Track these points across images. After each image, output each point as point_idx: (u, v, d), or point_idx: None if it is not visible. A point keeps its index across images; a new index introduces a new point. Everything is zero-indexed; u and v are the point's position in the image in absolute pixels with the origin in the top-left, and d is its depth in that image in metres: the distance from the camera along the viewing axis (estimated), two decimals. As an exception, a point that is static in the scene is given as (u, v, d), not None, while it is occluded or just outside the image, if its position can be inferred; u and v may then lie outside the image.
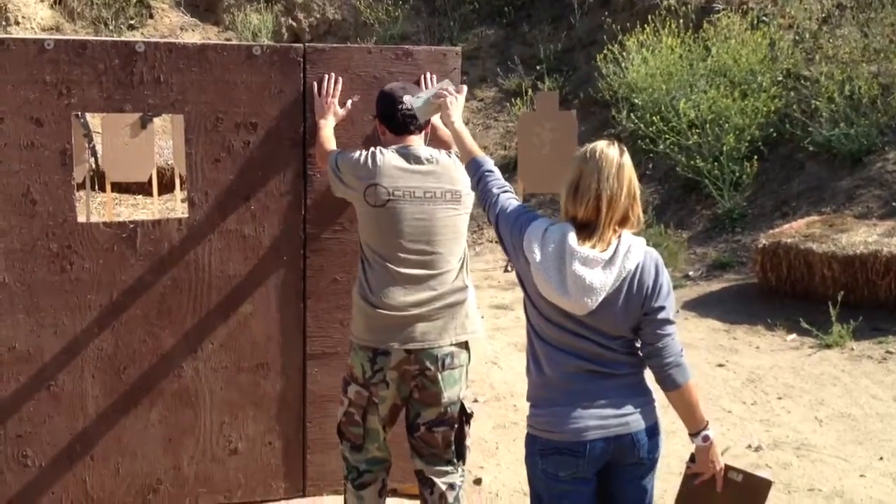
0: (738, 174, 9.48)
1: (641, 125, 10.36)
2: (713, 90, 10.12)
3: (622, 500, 2.57)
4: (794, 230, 7.58)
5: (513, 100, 12.87)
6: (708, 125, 9.73)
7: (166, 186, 10.70)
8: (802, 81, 10.06)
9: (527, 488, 4.12)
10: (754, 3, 11.61)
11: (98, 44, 3.50)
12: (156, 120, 10.05)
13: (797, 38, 10.80)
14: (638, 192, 2.50)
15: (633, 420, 2.48)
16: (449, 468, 3.22)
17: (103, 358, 3.59)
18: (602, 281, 2.38)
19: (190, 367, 3.68)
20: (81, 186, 9.21)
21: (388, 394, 3.15)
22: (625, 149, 2.53)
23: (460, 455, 3.24)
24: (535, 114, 9.94)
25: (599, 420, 2.45)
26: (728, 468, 2.59)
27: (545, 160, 9.49)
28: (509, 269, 9.35)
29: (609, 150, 2.49)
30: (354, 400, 3.19)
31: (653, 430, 2.52)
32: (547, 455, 2.48)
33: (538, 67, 13.27)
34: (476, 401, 5.33)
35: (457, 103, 3.07)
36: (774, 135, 9.75)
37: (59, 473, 3.62)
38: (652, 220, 9.75)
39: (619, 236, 2.46)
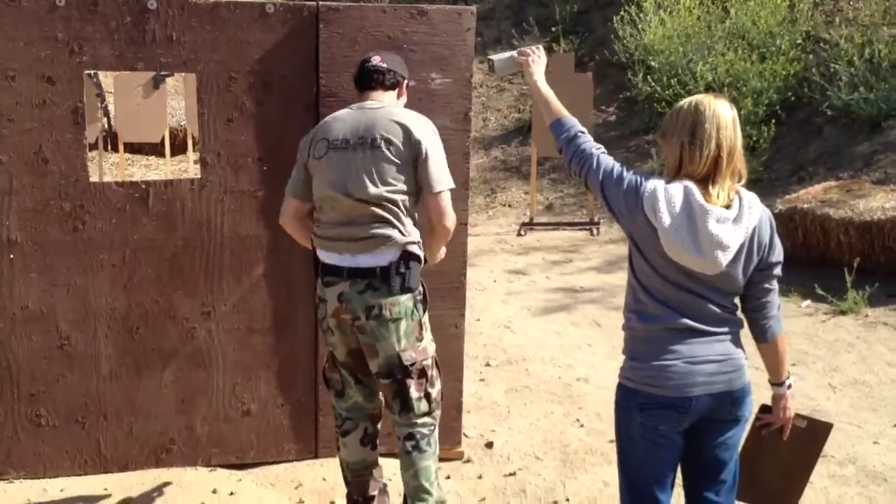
0: (755, 138, 9.37)
1: (658, 88, 10.25)
2: (731, 53, 9.99)
3: (712, 455, 2.57)
4: (810, 195, 7.50)
5: (527, 61, 12.73)
6: (726, 88, 9.61)
7: (179, 147, 10.69)
8: (822, 45, 9.91)
9: (539, 452, 4.15)
10: (774, -36, 11.40)
11: (110, 1, 3.45)
12: (168, 80, 10.01)
13: (817, 0, 10.61)
14: (741, 146, 2.50)
15: (736, 377, 2.50)
16: (400, 419, 3.20)
17: (116, 318, 3.60)
18: (735, 238, 2.39)
19: (203, 329, 3.68)
20: (94, 146, 9.21)
21: (335, 340, 3.18)
22: (733, 105, 2.51)
23: (406, 408, 3.18)
24: (551, 76, 9.82)
25: (706, 377, 2.46)
26: (796, 416, 2.69)
27: (560, 123, 9.40)
28: (523, 233, 9.32)
29: (720, 104, 2.45)
30: (329, 346, 3.26)
31: (748, 389, 2.56)
32: (649, 409, 2.48)
33: (553, 29, 13.10)
34: (488, 364, 5.33)
35: (539, 62, 3.03)
36: (793, 98, 9.64)
37: (72, 432, 3.64)
38: (667, 184, 9.67)
39: (738, 192, 2.46)
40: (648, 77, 10.72)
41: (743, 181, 2.50)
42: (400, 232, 3.05)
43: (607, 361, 5.44)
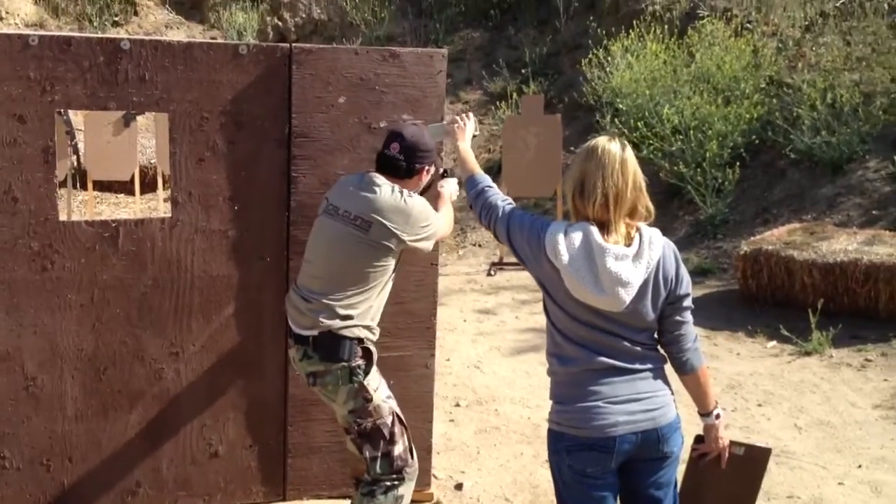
0: (720, 181, 9.52)
1: (625, 130, 10.38)
2: (697, 96, 10.16)
3: (647, 494, 2.58)
4: (775, 237, 7.63)
5: (497, 103, 12.87)
6: (691, 131, 9.77)
7: (148, 185, 10.62)
8: (785, 89, 10.11)
9: (508, 493, 4.14)
10: (738, 10, 11.67)
11: (83, 40, 3.47)
12: (139, 119, 9.99)
13: (780, 45, 10.86)
14: (643, 184, 2.55)
15: (660, 415, 2.52)
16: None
17: (83, 359, 3.56)
18: (634, 275, 2.43)
19: (171, 369, 3.65)
20: (63, 184, 9.13)
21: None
22: (626, 143, 2.56)
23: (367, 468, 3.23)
24: (521, 117, 9.98)
25: (628, 416, 2.47)
26: (732, 443, 2.73)
27: (530, 164, 9.52)
28: (492, 273, 9.35)
29: (610, 146, 2.52)
30: None
31: (676, 425, 2.57)
32: (575, 451, 2.49)
33: (523, 71, 13.28)
34: (458, 405, 5.32)
35: (467, 128, 3.35)
36: (757, 142, 9.80)
37: (36, 475, 3.58)
38: (635, 225, 9.77)
39: (638, 229, 2.51)
40: (616, 119, 10.87)
41: (649, 218, 2.55)
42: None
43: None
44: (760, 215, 9.25)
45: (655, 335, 2.58)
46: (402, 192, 3.19)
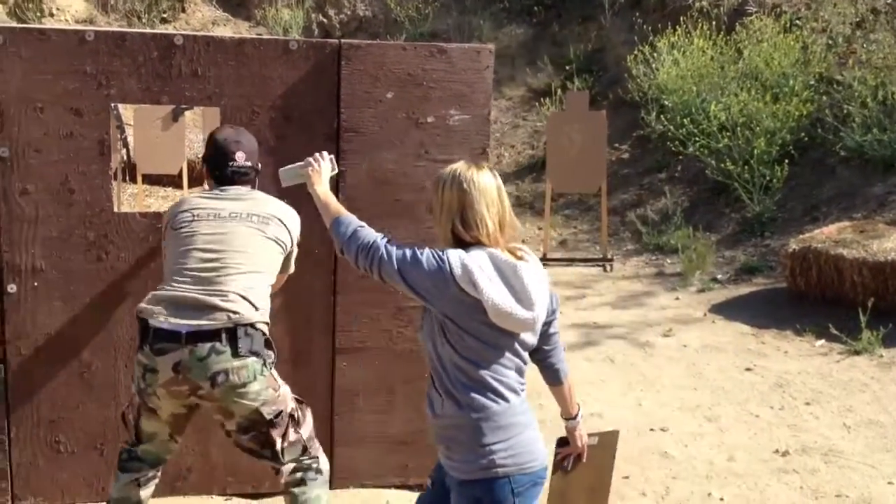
0: (768, 178, 9.41)
1: (671, 127, 10.31)
2: (744, 93, 10.05)
3: None
4: (824, 235, 7.52)
5: (541, 99, 12.85)
6: (739, 128, 9.67)
7: (196, 179, 10.78)
8: (835, 86, 9.96)
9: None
10: (787, 6, 11.52)
11: (138, 36, 3.54)
12: (187, 113, 10.14)
13: (830, 42, 10.69)
14: (509, 205, 2.47)
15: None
16: (276, 464, 3.12)
17: (136, 347, 3.63)
18: (543, 288, 2.39)
19: (221, 358, 3.71)
20: (113, 177, 9.31)
21: (161, 404, 3.08)
22: (491, 166, 2.49)
23: (278, 458, 3.10)
24: (565, 113, 9.94)
25: (541, 440, 2.43)
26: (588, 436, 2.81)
27: (574, 160, 9.49)
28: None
29: (482, 177, 2.40)
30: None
31: None
32: (523, 492, 2.34)
33: (567, 67, 13.24)
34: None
35: (321, 170, 2.93)
36: (806, 139, 9.67)
37: (90, 459, 3.67)
38: (680, 222, 9.71)
39: (521, 249, 2.45)
40: (662, 116, 10.80)
41: (520, 238, 2.52)
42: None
43: (621, 398, 5.44)
44: (809, 213, 9.12)
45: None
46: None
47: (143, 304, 2.99)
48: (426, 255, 2.36)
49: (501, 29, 14.66)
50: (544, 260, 9.53)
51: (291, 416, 3.08)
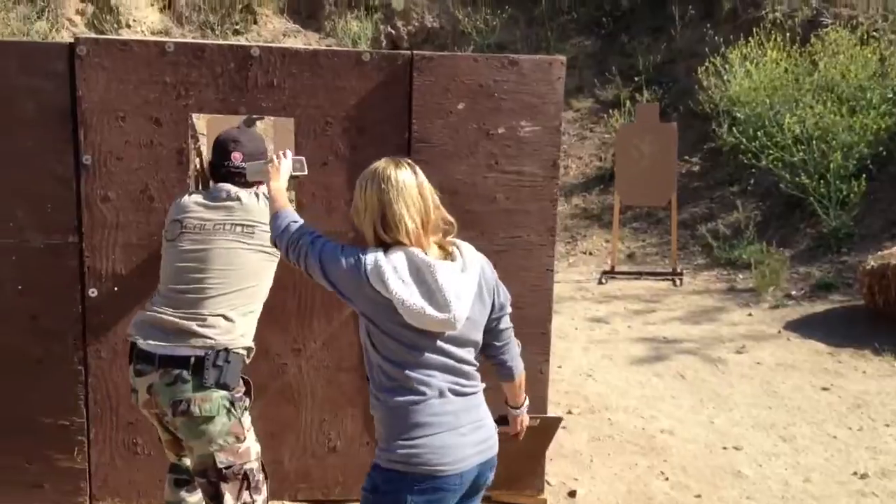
0: (844, 193, 9.17)
1: (743, 139, 10.13)
2: (820, 105, 9.82)
3: None
4: (904, 252, 7.29)
5: (609, 111, 12.75)
6: (814, 141, 9.45)
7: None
8: (915, 99, 9.68)
9: (622, 503, 4.08)
10: (864, 17, 11.25)
11: (216, 48, 3.62)
12: (258, 123, 10.30)
13: (910, 53, 10.40)
14: (437, 199, 2.42)
15: (494, 442, 2.43)
16: None
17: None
18: (467, 288, 2.33)
19: (293, 365, 3.75)
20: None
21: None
22: (413, 163, 2.43)
23: None
24: (635, 125, 9.85)
25: (475, 446, 2.35)
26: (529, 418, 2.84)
27: (643, 173, 9.39)
28: (603, 281, 9.26)
29: (402, 174, 2.37)
30: None
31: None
32: (424, 492, 2.28)
33: (636, 79, 13.12)
34: (570, 412, 5.29)
35: (281, 169, 2.96)
36: (884, 153, 9.40)
37: (165, 462, 3.72)
38: (753, 236, 9.52)
39: (453, 244, 2.42)
40: (733, 128, 10.61)
41: (454, 229, 2.44)
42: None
43: (692, 415, 5.34)
44: (888, 229, 8.86)
45: (478, 351, 2.46)
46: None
47: (132, 322, 3.00)
48: (346, 252, 2.37)
49: (569, 40, 14.60)
50: (611, 273, 9.44)
51: (246, 476, 2.88)
